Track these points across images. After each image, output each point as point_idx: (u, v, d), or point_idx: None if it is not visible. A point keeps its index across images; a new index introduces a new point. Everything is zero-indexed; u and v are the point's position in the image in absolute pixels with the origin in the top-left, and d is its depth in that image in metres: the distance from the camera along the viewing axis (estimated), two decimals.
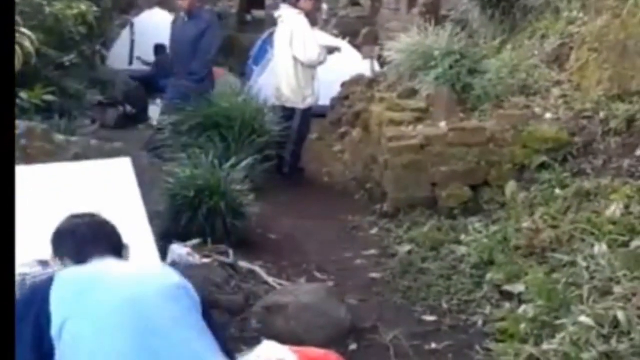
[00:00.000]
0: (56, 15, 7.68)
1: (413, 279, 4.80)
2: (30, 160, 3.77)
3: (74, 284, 2.20)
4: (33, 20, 7.02)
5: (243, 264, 4.74)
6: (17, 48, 5.81)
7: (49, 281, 2.20)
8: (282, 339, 3.37)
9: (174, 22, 7.65)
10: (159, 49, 12.05)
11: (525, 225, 4.77)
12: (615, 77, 5.53)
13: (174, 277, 2.33)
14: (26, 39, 6.02)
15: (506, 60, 6.53)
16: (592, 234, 4.27)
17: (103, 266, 2.30)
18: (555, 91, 6.04)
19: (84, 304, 2.13)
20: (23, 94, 6.05)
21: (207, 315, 2.33)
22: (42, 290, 2.17)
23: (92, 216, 2.53)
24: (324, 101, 8.47)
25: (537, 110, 5.88)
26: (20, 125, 4.01)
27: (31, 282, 2.44)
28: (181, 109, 6.94)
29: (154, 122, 9.35)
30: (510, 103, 6.06)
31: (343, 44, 9.89)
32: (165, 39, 12.15)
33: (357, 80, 8.99)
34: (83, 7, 8.35)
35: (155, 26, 12.72)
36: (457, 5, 8.65)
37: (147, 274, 2.33)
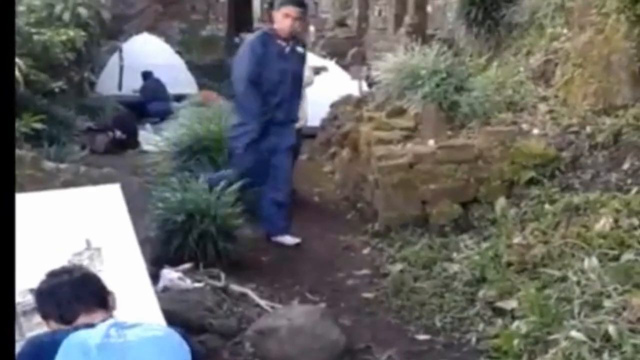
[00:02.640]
0: (44, 42, 7.73)
1: (406, 298, 4.80)
2: (19, 188, 3.75)
3: (79, 354, 2.19)
4: (22, 48, 7.05)
5: (235, 288, 4.72)
6: None
7: (52, 348, 2.20)
8: None
9: (263, 48, 5.77)
10: (146, 75, 12.12)
11: (516, 241, 4.78)
12: (600, 92, 5.59)
13: (173, 342, 2.33)
14: (15, 67, 6.04)
15: (492, 77, 6.59)
16: (582, 248, 4.29)
17: (106, 334, 2.25)
18: (542, 107, 6.09)
19: None
20: None
21: None
22: (47, 355, 2.19)
23: (69, 273, 2.49)
24: (314, 122, 8.50)
25: (524, 126, 5.92)
26: None
27: (34, 341, 2.37)
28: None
29: (144, 147, 9.39)
30: (497, 119, 6.10)
31: (331, 65, 9.98)
32: (154, 64, 12.37)
33: (345, 100, 9.03)
34: (71, 33, 8.42)
35: (144, 51, 12.82)
36: (443, 24, 8.74)
37: (146, 344, 2.27)
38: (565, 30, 6.50)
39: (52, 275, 2.48)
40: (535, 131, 5.79)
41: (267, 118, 5.78)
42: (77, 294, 2.41)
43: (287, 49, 5.82)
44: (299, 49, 5.95)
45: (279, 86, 5.80)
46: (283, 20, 5.73)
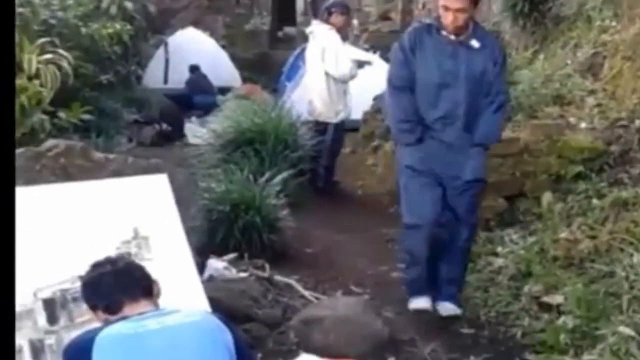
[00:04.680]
0: (92, 35, 7.84)
1: None
2: (69, 177, 3.83)
3: (115, 348, 2.23)
4: (70, 42, 7.17)
5: (279, 278, 4.76)
6: (55, 68, 5.94)
7: (90, 344, 2.24)
8: (320, 352, 3.40)
9: (419, 39, 4.23)
10: (193, 68, 12.25)
11: (562, 235, 4.73)
12: None
13: (212, 326, 2.36)
14: (64, 59, 6.16)
15: (539, 71, 6.51)
16: (631, 243, 4.23)
17: (141, 325, 2.29)
18: (590, 100, 6.00)
19: None
20: (61, 113, 6.19)
21: (242, 351, 2.38)
22: (84, 355, 2.22)
23: (113, 263, 2.51)
24: (356, 115, 8.48)
25: (572, 119, 5.84)
26: (60, 144, 4.08)
27: (72, 344, 2.39)
28: None
29: (190, 140, 9.48)
30: (544, 113, 6.03)
31: (374, 58, 9.92)
32: (199, 58, 12.47)
33: None
34: (118, 26, 8.52)
35: (189, 45, 12.93)
36: (489, 16, 8.64)
37: (185, 329, 2.31)
38: (614, 23, 6.39)
39: (96, 266, 2.51)
40: (583, 125, 5.71)
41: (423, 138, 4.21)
42: (121, 284, 2.43)
43: (454, 45, 4.18)
44: (474, 43, 4.20)
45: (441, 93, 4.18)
46: (443, 14, 4.15)
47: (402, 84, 4.24)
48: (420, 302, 4.34)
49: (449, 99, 4.16)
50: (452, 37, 4.17)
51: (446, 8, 4.11)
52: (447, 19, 4.11)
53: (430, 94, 4.19)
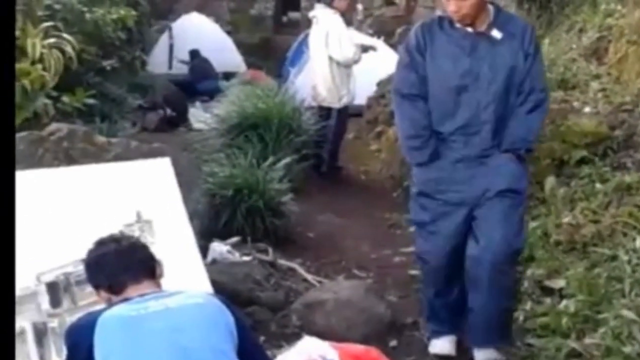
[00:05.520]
0: (96, 21, 7.83)
1: None
2: (72, 161, 3.85)
3: (116, 329, 2.23)
4: (74, 27, 7.16)
5: (282, 262, 4.78)
6: (59, 53, 5.94)
7: (92, 325, 2.24)
8: (323, 335, 3.40)
9: (429, 36, 3.55)
10: (194, 53, 12.24)
11: (565, 220, 4.71)
12: None
13: (214, 307, 2.35)
14: (67, 44, 6.15)
15: (544, 55, 6.47)
16: (634, 227, 4.21)
17: (143, 306, 2.28)
18: (594, 85, 5.97)
19: (128, 351, 2.19)
20: (65, 98, 6.19)
21: (244, 332, 2.37)
22: (86, 337, 2.23)
23: (117, 241, 2.50)
24: (360, 100, 8.47)
25: (576, 104, 5.81)
26: (63, 128, 4.09)
27: (74, 325, 2.39)
28: None
29: (194, 125, 9.49)
30: None
31: (378, 43, 9.90)
32: (203, 43, 12.46)
33: (392, 78, 8.97)
34: (122, 12, 8.51)
35: (193, 30, 12.92)
36: (494, 1, 8.59)
37: (187, 310, 2.31)
38: (619, 7, 6.35)
39: (99, 243, 2.50)
40: (587, 109, 5.68)
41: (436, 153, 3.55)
42: (125, 263, 2.42)
43: (472, 38, 3.48)
44: (496, 34, 3.49)
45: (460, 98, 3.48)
46: (445, 2, 3.50)
47: (410, 92, 3.54)
48: (441, 346, 3.73)
49: (470, 105, 3.46)
50: (469, 29, 3.47)
51: None
52: (450, 7, 3.44)
53: (446, 100, 3.49)
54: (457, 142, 3.50)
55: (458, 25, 3.47)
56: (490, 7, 3.52)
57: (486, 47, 3.45)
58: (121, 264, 2.42)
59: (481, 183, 3.48)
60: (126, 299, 2.34)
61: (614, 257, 4.06)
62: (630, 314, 3.37)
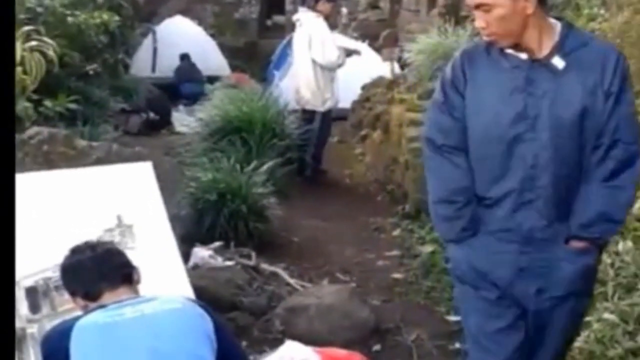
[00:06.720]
0: (79, 24, 7.78)
1: (436, 279, 4.78)
2: (52, 165, 3.82)
3: (92, 336, 2.21)
4: (56, 30, 7.11)
5: (265, 266, 4.75)
6: (41, 57, 5.90)
7: (68, 332, 2.22)
8: (305, 340, 3.39)
9: (471, 66, 2.57)
10: (183, 57, 12.23)
11: None
12: (637, 73, 5.47)
13: (191, 313, 2.33)
14: (49, 47, 6.11)
15: None
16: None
17: (118, 313, 2.26)
18: None
19: (104, 358, 2.18)
20: (47, 102, 6.14)
21: (223, 337, 2.35)
22: (61, 344, 2.20)
23: (93, 248, 2.47)
24: (345, 104, 8.47)
25: None
26: (43, 131, 4.06)
27: (50, 332, 2.38)
28: None
29: (177, 128, 9.44)
30: None
31: (363, 47, 9.91)
32: (187, 46, 12.40)
33: (377, 82, 8.97)
34: (105, 16, 8.46)
35: (177, 34, 12.87)
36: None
37: (163, 316, 2.28)
38: (602, 11, 6.37)
39: (75, 251, 2.47)
40: None
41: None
42: (100, 270, 2.39)
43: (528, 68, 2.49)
44: (557, 62, 2.48)
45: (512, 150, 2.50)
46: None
47: (445, 142, 2.61)
48: None
49: (525, 161, 2.48)
50: (521, 55, 2.50)
51: (468, 6, 2.62)
52: (477, 23, 2.50)
53: (493, 154, 2.53)
54: (506, 212, 2.54)
55: (510, 50, 2.50)
56: (557, 25, 2.56)
57: (548, 81, 2.46)
58: (97, 271, 2.39)
59: (534, 281, 2.55)
60: (102, 306, 2.31)
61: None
62: (613, 318, 3.38)
